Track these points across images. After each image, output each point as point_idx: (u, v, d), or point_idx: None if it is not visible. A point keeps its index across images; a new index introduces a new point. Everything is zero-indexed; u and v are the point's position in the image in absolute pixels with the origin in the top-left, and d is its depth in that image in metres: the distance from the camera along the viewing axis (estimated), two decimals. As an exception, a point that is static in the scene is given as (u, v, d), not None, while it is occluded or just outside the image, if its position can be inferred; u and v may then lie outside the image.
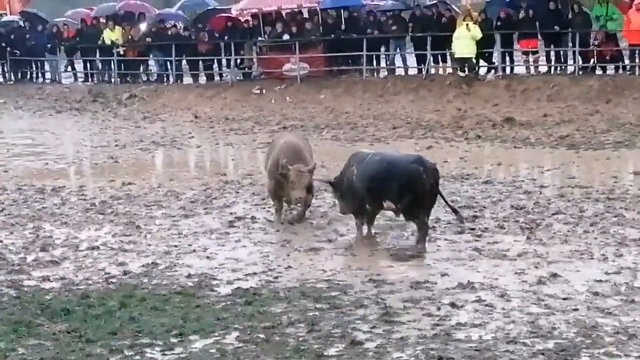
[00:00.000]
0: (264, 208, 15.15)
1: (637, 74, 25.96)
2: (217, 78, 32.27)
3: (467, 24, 26.58)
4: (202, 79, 32.45)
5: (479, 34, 26.51)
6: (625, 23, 25.95)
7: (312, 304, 10.23)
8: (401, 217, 12.79)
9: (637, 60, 26.18)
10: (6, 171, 19.90)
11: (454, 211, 12.92)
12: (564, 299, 10.12)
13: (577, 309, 9.76)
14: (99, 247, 13.07)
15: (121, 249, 13.00)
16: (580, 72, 26.46)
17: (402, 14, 30.00)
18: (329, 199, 15.04)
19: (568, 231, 13.14)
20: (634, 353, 8.58)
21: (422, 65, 28.69)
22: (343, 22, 30.23)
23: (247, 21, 31.54)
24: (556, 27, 26.69)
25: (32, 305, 10.37)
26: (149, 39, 32.78)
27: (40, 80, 35.96)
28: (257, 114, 27.81)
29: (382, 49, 30.15)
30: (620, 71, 26.48)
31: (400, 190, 12.24)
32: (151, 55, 33.62)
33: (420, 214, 12.40)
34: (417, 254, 12.19)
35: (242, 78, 31.36)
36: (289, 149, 14.07)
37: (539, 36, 27.68)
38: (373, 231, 13.24)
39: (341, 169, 13.48)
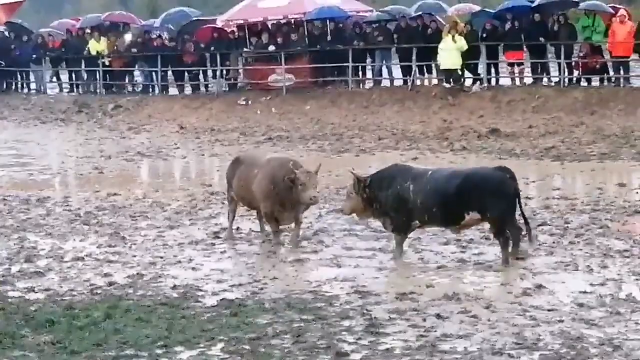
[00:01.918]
0: (249, 219, 15.12)
1: (621, 85, 26.05)
2: (202, 89, 32.25)
3: (452, 36, 26.64)
4: (188, 90, 32.42)
5: (464, 46, 26.57)
6: (609, 35, 26.01)
7: (297, 315, 10.21)
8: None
9: (621, 72, 26.28)
10: (-9, 181, 19.88)
11: (526, 223, 12.38)
12: (549, 310, 10.13)
13: (562, 320, 9.76)
14: (83, 258, 13.03)
15: (106, 260, 12.97)
16: (566, 84, 26.55)
17: (388, 25, 29.99)
18: (313, 209, 14.81)
19: (553, 242, 13.15)
20: (618, 364, 8.61)
21: (408, 77, 28.70)
22: (329, 33, 30.24)
23: (232, 32, 31.52)
24: (541, 39, 26.77)
25: (16, 317, 10.32)
26: (134, 50, 32.77)
27: (26, 90, 35.92)
28: (243, 124, 27.80)
29: (368, 60, 30.16)
30: (605, 83, 26.56)
31: (489, 200, 11.95)
32: (137, 66, 33.61)
33: (507, 222, 12.13)
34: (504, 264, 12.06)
35: (227, 89, 31.34)
36: (283, 162, 13.59)
37: (524, 47, 27.74)
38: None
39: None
